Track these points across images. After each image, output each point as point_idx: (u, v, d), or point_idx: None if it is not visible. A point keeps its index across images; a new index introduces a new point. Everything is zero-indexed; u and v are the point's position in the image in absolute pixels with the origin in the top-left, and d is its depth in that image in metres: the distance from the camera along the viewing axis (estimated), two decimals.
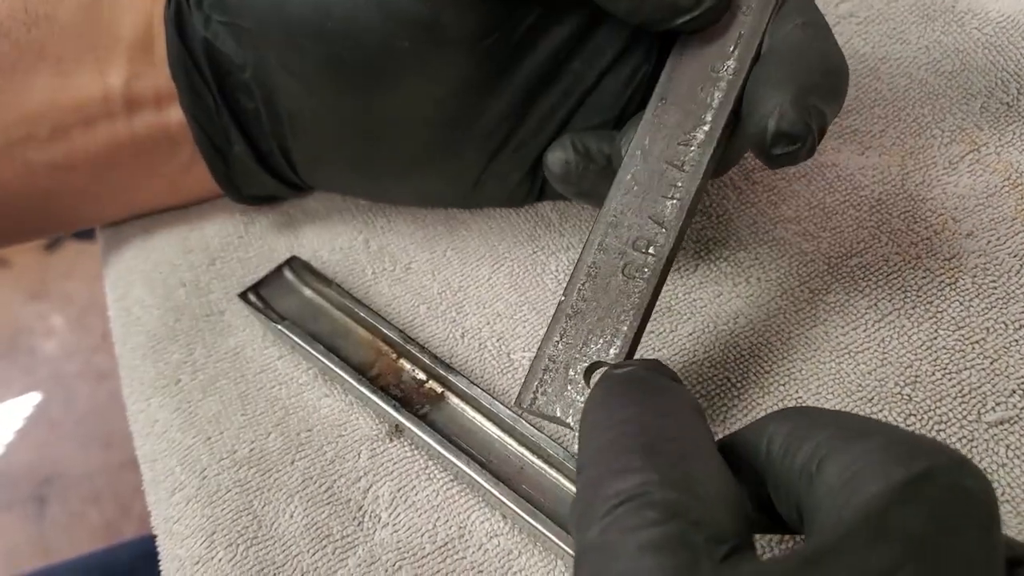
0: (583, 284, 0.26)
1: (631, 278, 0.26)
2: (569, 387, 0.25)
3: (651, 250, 0.26)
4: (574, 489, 0.27)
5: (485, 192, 0.33)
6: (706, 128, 0.27)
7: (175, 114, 0.32)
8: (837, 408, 0.28)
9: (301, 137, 0.32)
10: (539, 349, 0.26)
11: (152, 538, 0.31)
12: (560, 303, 0.26)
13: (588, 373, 0.25)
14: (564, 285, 0.33)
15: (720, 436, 0.28)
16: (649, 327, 0.31)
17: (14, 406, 1.29)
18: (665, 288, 0.32)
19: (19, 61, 0.31)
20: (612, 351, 0.25)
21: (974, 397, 0.28)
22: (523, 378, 0.31)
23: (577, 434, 0.23)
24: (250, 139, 0.32)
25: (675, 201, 0.26)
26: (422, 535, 0.28)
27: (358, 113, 0.30)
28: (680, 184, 0.26)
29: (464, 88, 0.30)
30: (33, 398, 1.30)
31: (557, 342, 0.26)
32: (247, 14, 0.30)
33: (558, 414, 0.25)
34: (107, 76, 0.31)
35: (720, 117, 0.27)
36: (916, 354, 0.29)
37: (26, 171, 0.32)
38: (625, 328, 0.25)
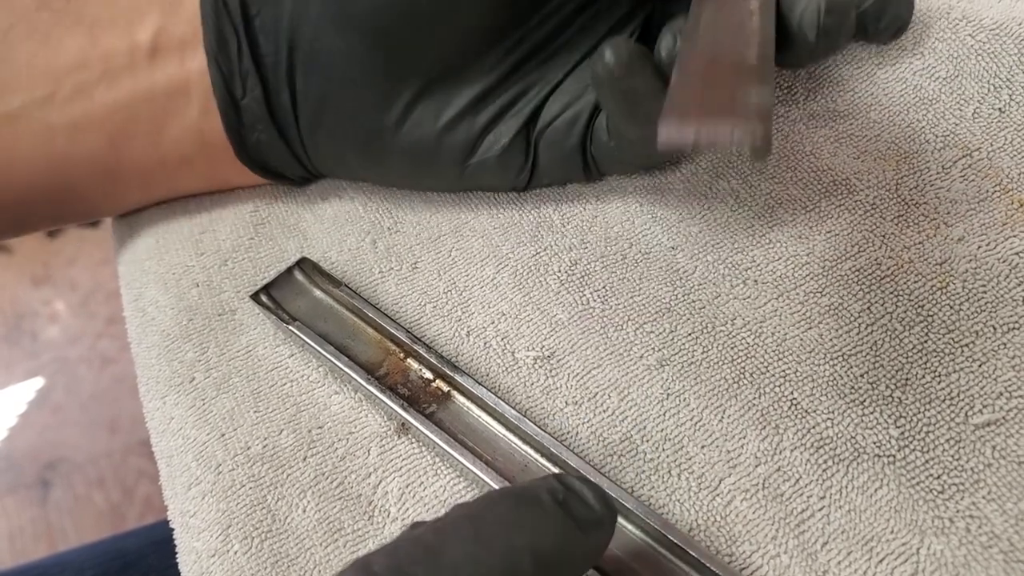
0: (704, 29, 0.26)
1: (747, 16, 0.26)
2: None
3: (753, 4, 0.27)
4: None
5: (477, 160, 0.34)
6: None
7: (196, 61, 0.33)
8: (831, 410, 0.29)
9: (311, 77, 0.33)
10: (677, 72, 0.25)
11: (160, 524, 0.32)
12: (680, 49, 0.26)
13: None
14: (567, 285, 0.34)
15: (723, 435, 0.29)
16: (648, 328, 0.32)
17: (18, 391, 1.30)
18: (663, 288, 0.33)
19: (55, 27, 0.32)
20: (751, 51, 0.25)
21: (962, 400, 0.29)
22: (527, 377, 0.32)
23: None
24: (265, 85, 0.34)
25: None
26: None
27: (368, 45, 0.32)
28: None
29: (472, 33, 0.31)
30: (37, 383, 1.31)
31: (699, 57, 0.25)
32: None
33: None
34: (136, 34, 0.33)
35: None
36: (907, 357, 0.30)
37: (45, 132, 0.33)
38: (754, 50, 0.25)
